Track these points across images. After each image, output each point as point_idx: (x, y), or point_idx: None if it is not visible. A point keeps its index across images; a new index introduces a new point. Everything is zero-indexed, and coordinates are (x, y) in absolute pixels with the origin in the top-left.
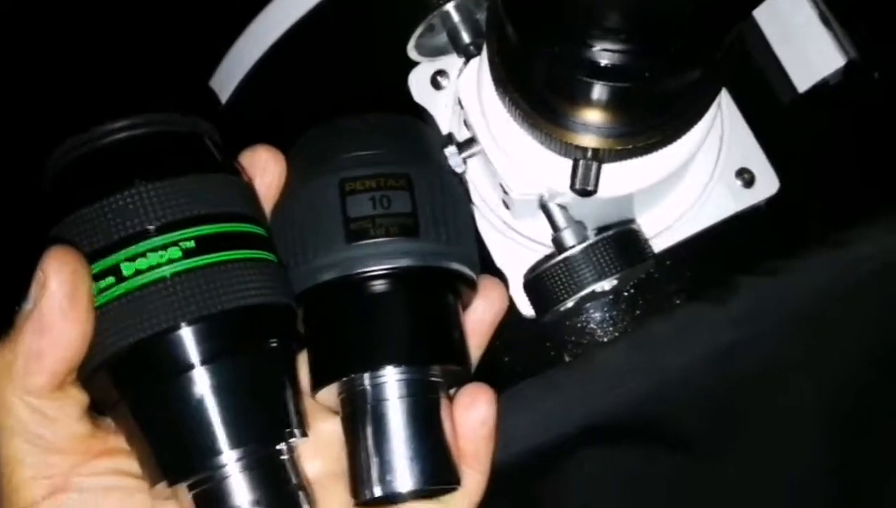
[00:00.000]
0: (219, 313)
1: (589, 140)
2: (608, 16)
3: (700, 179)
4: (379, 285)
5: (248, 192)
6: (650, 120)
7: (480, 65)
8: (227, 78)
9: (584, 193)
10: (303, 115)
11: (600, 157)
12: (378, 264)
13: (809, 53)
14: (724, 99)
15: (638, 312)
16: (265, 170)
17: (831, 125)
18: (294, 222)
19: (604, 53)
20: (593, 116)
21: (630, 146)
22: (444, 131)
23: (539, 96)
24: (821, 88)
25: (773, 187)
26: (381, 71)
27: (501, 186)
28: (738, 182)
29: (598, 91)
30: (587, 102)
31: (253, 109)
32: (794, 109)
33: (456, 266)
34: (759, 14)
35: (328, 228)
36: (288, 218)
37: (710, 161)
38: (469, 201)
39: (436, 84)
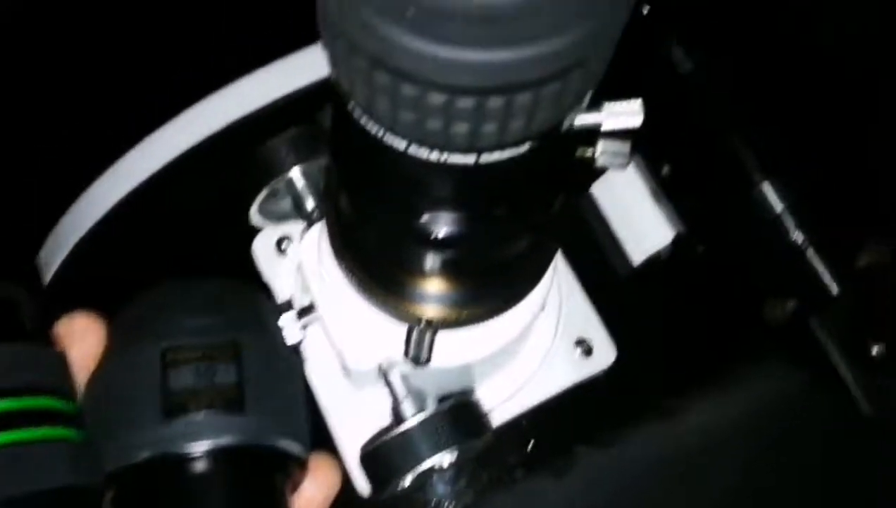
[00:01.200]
0: (6, 501)
1: (421, 309)
2: (435, 188)
3: (540, 349)
4: (198, 466)
5: (56, 363)
6: (481, 290)
7: (321, 230)
8: (55, 252)
9: (418, 361)
10: (137, 285)
11: (433, 325)
12: (197, 443)
13: (643, 228)
14: (563, 270)
15: (480, 485)
16: (83, 338)
17: (663, 297)
18: (109, 394)
19: (431, 224)
20: (425, 284)
21: (462, 315)
22: (287, 297)
23: (373, 264)
24: (653, 260)
25: (610, 357)
26: (223, 237)
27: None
28: (578, 351)
29: (428, 260)
30: (418, 271)
31: (82, 281)
32: (630, 281)
33: (283, 444)
34: (597, 190)
35: (144, 401)
36: (103, 390)
37: (549, 331)
38: (303, 372)
39: (280, 249)
